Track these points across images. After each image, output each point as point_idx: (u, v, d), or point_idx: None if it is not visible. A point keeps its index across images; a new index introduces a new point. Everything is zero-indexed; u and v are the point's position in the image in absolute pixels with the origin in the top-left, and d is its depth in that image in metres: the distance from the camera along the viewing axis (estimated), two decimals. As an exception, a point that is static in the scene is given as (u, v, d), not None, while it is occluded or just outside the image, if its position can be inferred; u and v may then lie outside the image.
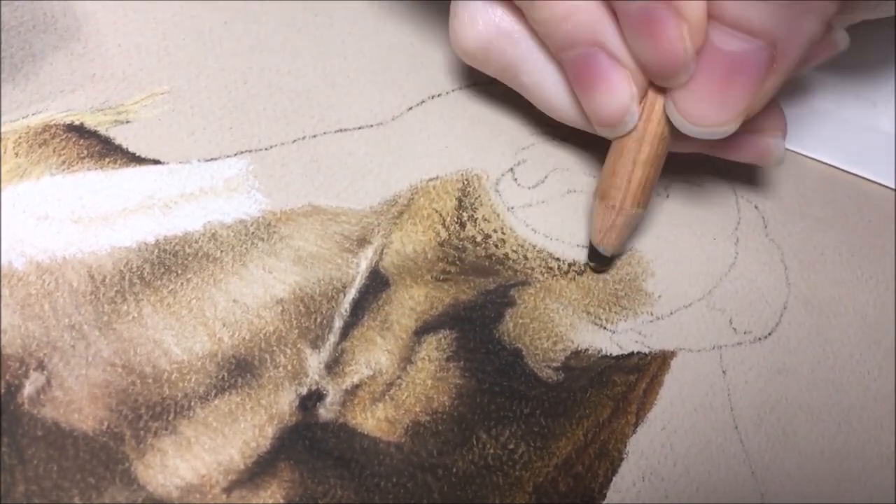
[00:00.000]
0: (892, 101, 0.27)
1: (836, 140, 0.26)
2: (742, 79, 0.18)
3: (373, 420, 0.19)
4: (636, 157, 0.20)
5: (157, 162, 0.21)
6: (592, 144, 0.24)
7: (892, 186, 0.26)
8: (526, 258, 0.22)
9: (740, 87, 0.18)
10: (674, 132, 0.20)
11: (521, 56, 0.21)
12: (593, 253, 0.22)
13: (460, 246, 0.22)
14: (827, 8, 0.17)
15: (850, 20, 0.24)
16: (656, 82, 0.19)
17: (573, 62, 0.20)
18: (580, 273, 0.22)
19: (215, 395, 0.18)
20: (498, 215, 0.23)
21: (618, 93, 0.19)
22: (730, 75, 0.18)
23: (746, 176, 0.25)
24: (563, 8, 0.19)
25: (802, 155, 0.26)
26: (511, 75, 0.22)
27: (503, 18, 0.20)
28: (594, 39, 0.19)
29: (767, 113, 0.21)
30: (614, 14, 0.19)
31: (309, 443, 0.18)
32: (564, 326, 0.21)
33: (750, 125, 0.21)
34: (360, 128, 0.24)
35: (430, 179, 0.23)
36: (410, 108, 0.24)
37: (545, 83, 0.21)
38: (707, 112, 0.19)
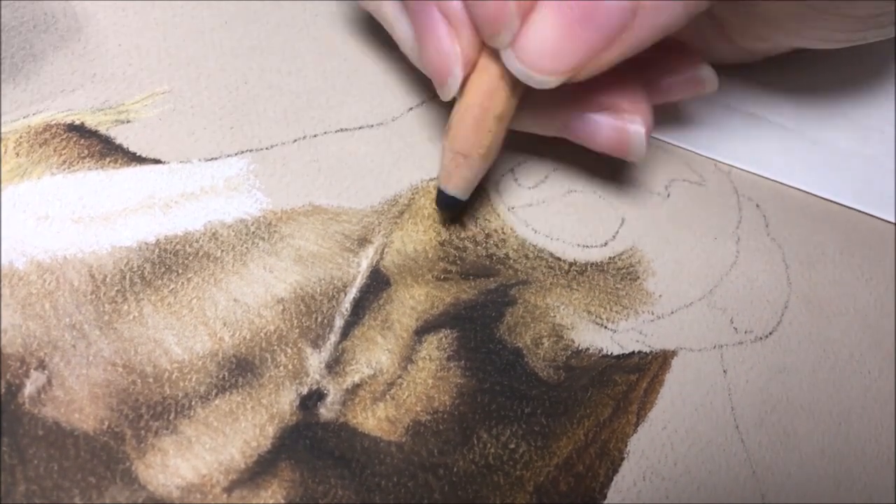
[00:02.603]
0: (892, 130, 0.27)
1: (832, 173, 0.25)
2: (589, 33, 0.17)
3: (373, 419, 0.19)
4: (484, 106, 0.20)
5: (157, 161, 0.21)
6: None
7: (893, 221, 0.25)
8: (527, 258, 0.22)
9: (583, 40, 0.18)
10: (512, 92, 0.19)
11: (388, 8, 0.21)
12: (440, 196, 0.21)
13: (461, 246, 0.22)
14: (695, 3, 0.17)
15: (767, 45, 0.23)
16: (483, 37, 0.19)
17: (411, 11, 0.20)
18: (581, 272, 0.22)
19: (216, 395, 0.18)
20: (498, 215, 0.23)
21: (443, 48, 0.19)
22: (580, 23, 0.17)
23: (748, 174, 0.25)
24: None
25: (795, 188, 0.25)
26: (385, 23, 0.22)
27: None
28: None
29: (627, 95, 0.20)
30: None
31: (310, 442, 0.18)
32: (565, 326, 0.21)
33: (609, 104, 0.20)
34: (360, 128, 0.24)
35: (431, 179, 0.23)
36: (411, 109, 0.24)
37: (406, 33, 0.21)
38: (541, 54, 0.18)
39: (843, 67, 0.27)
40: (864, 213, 0.25)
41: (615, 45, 0.18)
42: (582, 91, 0.20)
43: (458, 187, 0.21)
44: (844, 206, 0.25)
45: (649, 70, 0.22)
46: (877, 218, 0.25)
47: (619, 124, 0.21)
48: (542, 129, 0.22)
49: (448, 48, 0.19)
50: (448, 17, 0.19)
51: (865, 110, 0.27)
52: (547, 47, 0.18)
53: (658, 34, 0.18)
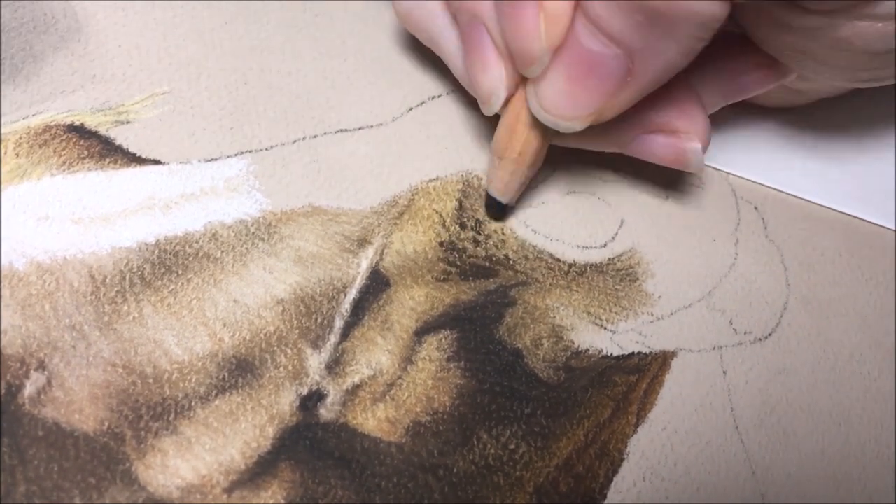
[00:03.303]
0: (891, 137, 0.26)
1: (831, 180, 0.25)
2: (596, 81, 0.18)
3: (373, 420, 0.19)
4: (524, 122, 0.21)
5: (157, 162, 0.21)
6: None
7: (893, 228, 0.25)
8: (526, 258, 0.22)
9: (593, 88, 0.18)
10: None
11: (438, 24, 0.22)
12: (487, 198, 0.22)
13: (461, 247, 0.22)
14: (689, 37, 0.17)
15: (811, 90, 0.23)
16: (518, 68, 0.19)
17: (461, 29, 0.21)
18: (581, 273, 0.22)
19: (216, 396, 0.18)
20: (498, 216, 0.23)
21: (489, 69, 0.20)
22: (585, 73, 0.18)
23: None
24: None
25: (793, 195, 0.25)
26: (432, 42, 0.23)
27: None
28: (476, 13, 0.20)
29: (683, 112, 0.21)
30: None
31: (310, 443, 0.18)
32: (565, 327, 0.21)
33: (664, 126, 0.21)
34: (360, 128, 0.24)
35: (431, 180, 0.23)
36: (411, 109, 0.24)
37: (452, 50, 0.22)
38: (558, 102, 0.19)
39: None
40: (863, 220, 0.25)
41: (625, 88, 0.18)
42: (636, 113, 0.20)
43: (497, 190, 0.22)
44: (844, 213, 0.25)
45: (727, 72, 0.22)
46: (877, 225, 0.25)
47: (676, 143, 0.21)
48: (599, 147, 0.23)
49: (495, 71, 0.20)
50: (496, 41, 0.20)
51: (864, 117, 0.27)
52: (563, 97, 0.19)
53: (664, 73, 0.18)
